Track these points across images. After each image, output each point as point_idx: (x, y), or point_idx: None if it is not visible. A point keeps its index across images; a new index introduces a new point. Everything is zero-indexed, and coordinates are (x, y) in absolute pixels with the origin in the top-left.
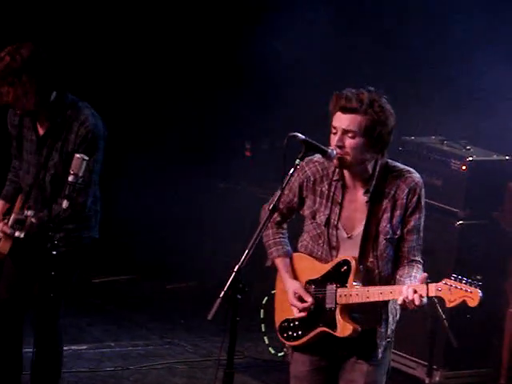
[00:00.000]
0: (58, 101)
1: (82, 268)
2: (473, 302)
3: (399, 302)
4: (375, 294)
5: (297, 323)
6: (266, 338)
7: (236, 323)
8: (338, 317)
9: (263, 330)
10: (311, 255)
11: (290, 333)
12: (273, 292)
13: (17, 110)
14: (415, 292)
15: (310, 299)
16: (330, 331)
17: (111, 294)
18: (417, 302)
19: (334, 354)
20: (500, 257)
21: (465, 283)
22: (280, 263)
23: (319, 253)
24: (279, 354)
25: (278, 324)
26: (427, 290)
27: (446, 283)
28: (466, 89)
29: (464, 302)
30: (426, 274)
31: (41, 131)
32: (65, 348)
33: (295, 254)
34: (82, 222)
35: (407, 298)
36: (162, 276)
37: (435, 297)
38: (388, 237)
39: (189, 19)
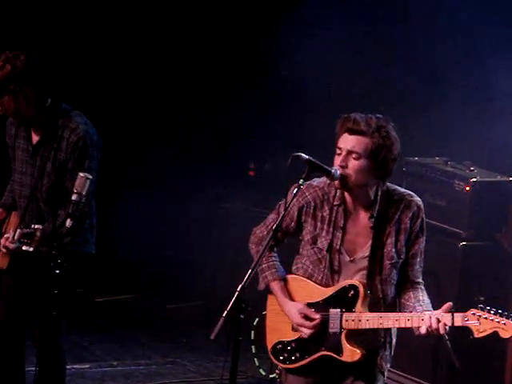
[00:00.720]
0: (52, 109)
1: (79, 285)
2: (507, 334)
3: (423, 331)
4: (390, 320)
5: (293, 346)
6: (256, 359)
7: (239, 343)
8: (344, 342)
9: (254, 351)
10: (310, 279)
11: (286, 355)
12: (263, 313)
13: (15, 119)
14: (439, 321)
15: (317, 316)
16: (336, 356)
17: (114, 312)
18: (441, 331)
19: (331, 376)
20: (503, 278)
21: (494, 313)
22: (276, 286)
23: (319, 277)
24: (271, 376)
25: (270, 346)
26: (453, 319)
27: (474, 314)
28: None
29: (495, 333)
30: (450, 303)
31: (34, 140)
32: (68, 367)
33: (290, 277)
34: (77, 236)
35: (430, 327)
36: (164, 295)
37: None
38: (393, 261)
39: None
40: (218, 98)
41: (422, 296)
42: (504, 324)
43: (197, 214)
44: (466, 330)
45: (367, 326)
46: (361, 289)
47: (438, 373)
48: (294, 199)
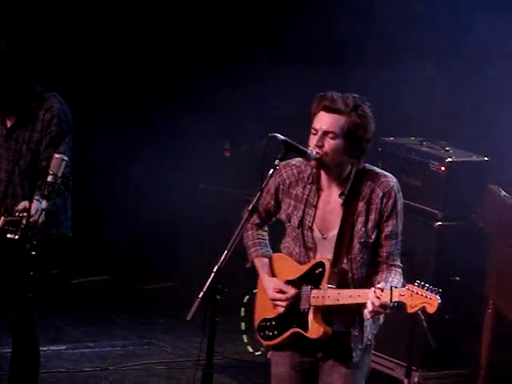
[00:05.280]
0: (26, 91)
1: (55, 267)
2: (431, 309)
3: (369, 307)
4: (345, 297)
5: (273, 323)
6: (245, 336)
7: (215, 323)
8: (311, 318)
9: (243, 328)
10: (291, 256)
11: (267, 332)
12: (254, 291)
13: None
14: (379, 297)
15: (291, 290)
16: (303, 332)
17: (90, 294)
18: (381, 307)
19: (313, 356)
20: (478, 258)
21: (426, 289)
22: (258, 263)
23: (297, 254)
24: (257, 353)
25: (256, 323)
26: (391, 295)
27: (408, 289)
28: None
29: (423, 308)
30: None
31: (8, 124)
32: (44, 348)
33: (275, 255)
34: (49, 217)
35: (373, 302)
36: (141, 276)
37: (398, 302)
38: (362, 240)
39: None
40: (192, 77)
41: (393, 277)
42: (430, 299)
43: (173, 195)
44: (440, 310)
45: (328, 303)
46: (327, 266)
47: (414, 353)
48: (273, 178)
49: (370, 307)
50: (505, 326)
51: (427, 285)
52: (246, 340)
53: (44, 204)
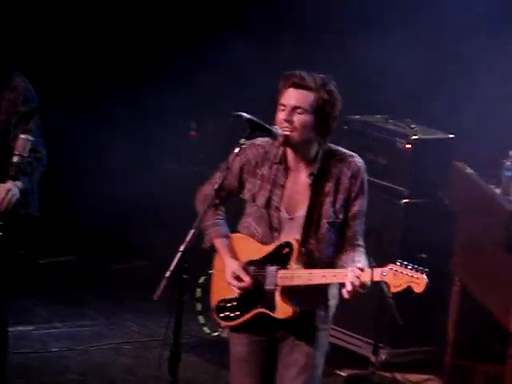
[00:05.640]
0: None
1: (22, 247)
2: (418, 288)
3: (348, 288)
4: (318, 276)
5: (234, 303)
6: (201, 317)
7: (182, 303)
8: (278, 298)
9: (199, 309)
10: (252, 237)
11: (227, 313)
12: (210, 272)
13: None
14: (359, 276)
15: (247, 279)
16: (269, 313)
17: (58, 274)
18: (361, 287)
19: (273, 335)
20: (445, 235)
21: (410, 269)
22: (219, 243)
23: (260, 235)
24: (214, 334)
25: (214, 304)
26: (372, 274)
27: (391, 268)
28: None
29: (409, 288)
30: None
31: None
32: (11, 329)
33: (234, 235)
34: (20, 199)
35: (352, 282)
36: (108, 257)
37: (380, 281)
38: (330, 220)
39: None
40: (164, 57)
41: (359, 257)
42: (417, 278)
43: (139, 176)
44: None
45: (299, 283)
46: (295, 246)
47: (381, 330)
48: (237, 157)
49: (349, 287)
50: (470, 303)
51: (411, 264)
52: (202, 321)
53: (19, 184)
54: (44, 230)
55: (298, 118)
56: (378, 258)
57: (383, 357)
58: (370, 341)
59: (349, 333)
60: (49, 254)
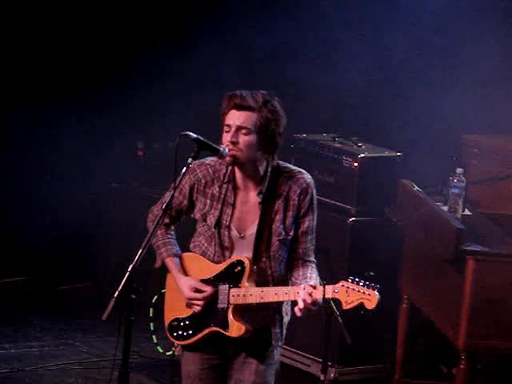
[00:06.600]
0: None
1: None
2: (371, 305)
3: (300, 305)
4: (270, 294)
5: (187, 322)
6: (154, 336)
7: (131, 323)
8: (231, 317)
9: (152, 328)
10: (204, 256)
11: (180, 332)
12: (163, 291)
13: None
14: (311, 294)
15: (208, 288)
16: (222, 331)
17: (6, 295)
18: (313, 304)
19: (225, 353)
20: (392, 253)
21: (362, 285)
22: (171, 262)
23: (212, 254)
24: (167, 353)
25: (167, 323)
26: (324, 291)
27: (343, 285)
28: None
29: (361, 304)
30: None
31: None
32: None
33: (185, 254)
34: None
35: (304, 299)
36: (54, 277)
37: (332, 299)
38: (281, 238)
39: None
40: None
41: (311, 273)
42: (369, 295)
43: (85, 194)
44: (357, 306)
45: (251, 301)
46: (247, 264)
47: (330, 349)
48: (187, 177)
49: (301, 305)
50: (419, 320)
51: (362, 280)
52: (155, 340)
53: None
54: None
55: (243, 139)
56: (326, 276)
57: (332, 375)
58: (318, 359)
59: (298, 351)
60: None
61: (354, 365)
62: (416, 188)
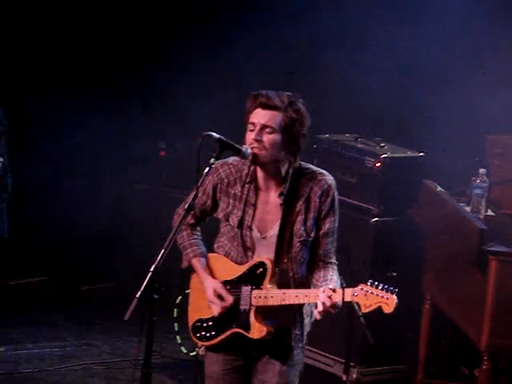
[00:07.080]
0: None
1: None
2: (388, 309)
3: (319, 308)
4: (291, 297)
5: (210, 323)
6: (178, 337)
7: (153, 323)
8: (252, 318)
9: (176, 329)
10: (228, 257)
11: (204, 333)
12: (187, 292)
13: None
14: (330, 297)
15: (230, 298)
16: (244, 333)
17: (27, 295)
18: (332, 307)
19: (248, 354)
20: (415, 253)
21: (381, 289)
22: (197, 263)
23: (235, 255)
24: (191, 354)
25: (191, 324)
26: (343, 295)
27: (362, 288)
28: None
29: (379, 308)
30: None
31: None
32: None
33: (211, 255)
34: None
35: (324, 302)
36: (77, 277)
37: (351, 301)
38: (302, 239)
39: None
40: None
41: (332, 275)
42: (387, 299)
43: (109, 195)
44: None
45: (272, 303)
46: (269, 266)
47: (353, 349)
48: (210, 177)
49: (320, 307)
50: (441, 320)
51: (381, 284)
52: (179, 341)
53: None
54: (12, 251)
55: (267, 138)
56: (347, 277)
57: (354, 376)
58: (341, 360)
59: (320, 352)
60: (17, 275)
61: (376, 365)
62: (439, 189)
